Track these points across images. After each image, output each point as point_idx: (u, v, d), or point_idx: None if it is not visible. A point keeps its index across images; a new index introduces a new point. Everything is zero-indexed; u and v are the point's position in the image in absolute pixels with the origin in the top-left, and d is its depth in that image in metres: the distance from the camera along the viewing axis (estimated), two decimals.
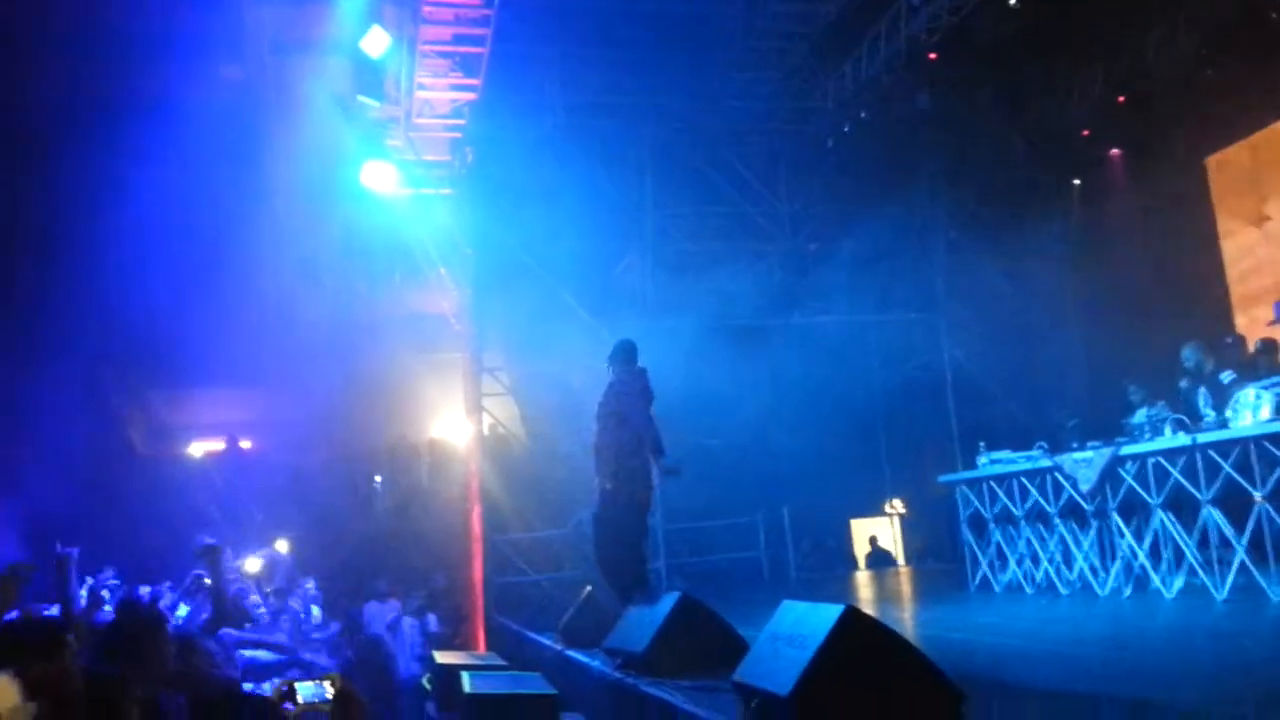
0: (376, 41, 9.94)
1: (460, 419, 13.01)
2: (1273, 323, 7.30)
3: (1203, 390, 7.17)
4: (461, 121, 11.41)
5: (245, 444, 15.30)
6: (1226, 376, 7.28)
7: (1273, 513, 6.05)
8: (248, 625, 7.26)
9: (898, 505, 15.18)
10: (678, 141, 12.19)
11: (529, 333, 11.93)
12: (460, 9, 9.99)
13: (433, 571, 12.82)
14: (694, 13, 11.12)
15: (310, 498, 14.13)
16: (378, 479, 15.59)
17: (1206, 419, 6.70)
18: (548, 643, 7.39)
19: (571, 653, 6.60)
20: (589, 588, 7.49)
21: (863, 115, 11.43)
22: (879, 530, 14.91)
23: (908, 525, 15.02)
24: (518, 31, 10.63)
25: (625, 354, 6.86)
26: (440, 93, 11.13)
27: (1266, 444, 6.01)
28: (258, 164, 12.76)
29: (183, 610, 7.32)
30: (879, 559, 14.29)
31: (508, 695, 4.95)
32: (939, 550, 12.97)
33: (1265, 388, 6.41)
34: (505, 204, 11.17)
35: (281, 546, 12.72)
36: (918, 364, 13.44)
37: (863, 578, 12.83)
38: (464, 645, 11.15)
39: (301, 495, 14.10)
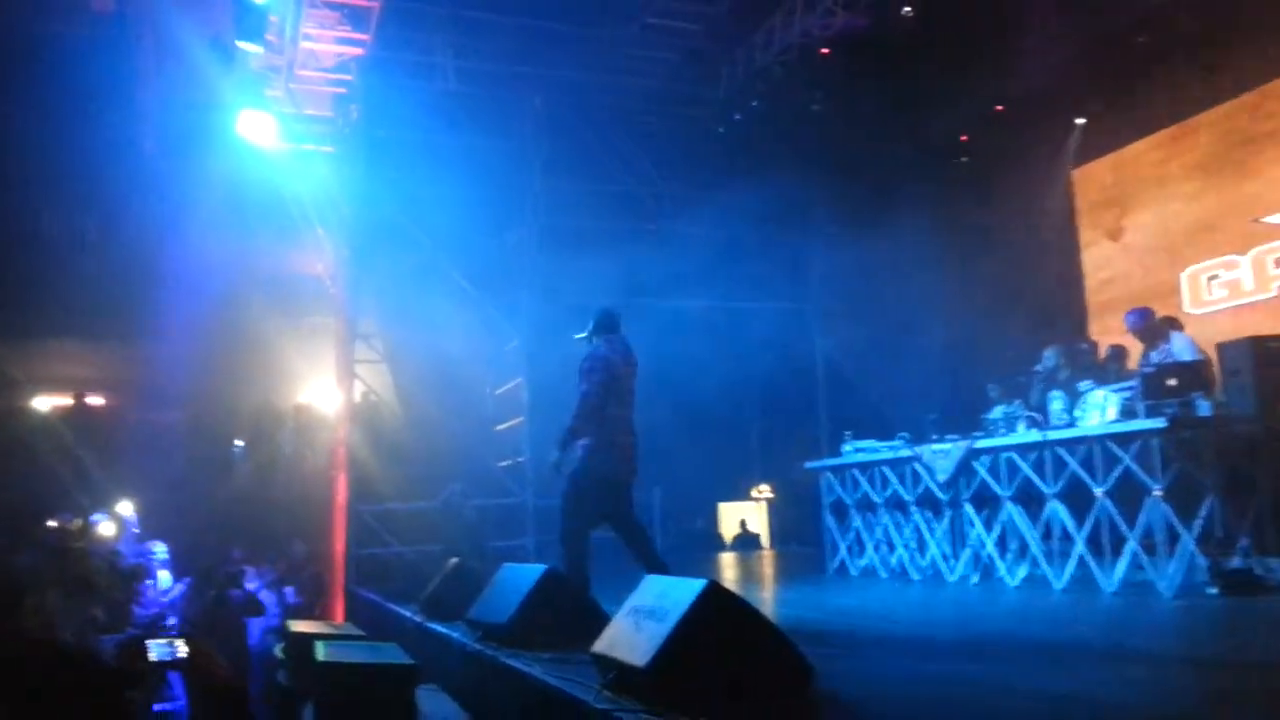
0: None
1: (330, 385, 12.65)
2: (1126, 331, 7.71)
3: (1057, 392, 7.55)
4: (348, 77, 11.02)
5: (95, 401, 14.50)
6: (1085, 385, 7.70)
7: (1111, 509, 6.42)
8: None
9: (765, 490, 15.54)
10: (569, 115, 12.07)
11: (407, 300, 11.63)
12: None
13: (292, 540, 12.47)
14: None
15: (166, 460, 13.51)
16: (239, 443, 15.02)
17: (1059, 420, 7.06)
18: (408, 614, 7.26)
19: (432, 624, 6.50)
20: (454, 559, 7.40)
21: (754, 105, 11.56)
22: (747, 514, 15.23)
23: (775, 510, 15.39)
24: None
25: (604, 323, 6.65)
26: (326, 45, 10.74)
27: (1110, 443, 6.37)
28: (126, 104, 12.07)
29: None
30: (746, 542, 14.61)
31: (362, 664, 4.82)
32: (803, 534, 13.31)
33: (1114, 391, 6.80)
34: (388, 165, 10.83)
35: (125, 509, 12.17)
36: (790, 353, 13.74)
37: (728, 559, 13.07)
38: (322, 617, 10.88)
39: (157, 457, 13.47)
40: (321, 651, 4.95)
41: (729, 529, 15.23)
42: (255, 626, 10.56)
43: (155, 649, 6.31)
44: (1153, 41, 10.11)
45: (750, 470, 15.35)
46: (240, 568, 11.09)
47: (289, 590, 11.54)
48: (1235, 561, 6.08)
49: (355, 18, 10.22)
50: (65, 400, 14.16)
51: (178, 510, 12.89)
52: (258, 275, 13.36)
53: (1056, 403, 7.28)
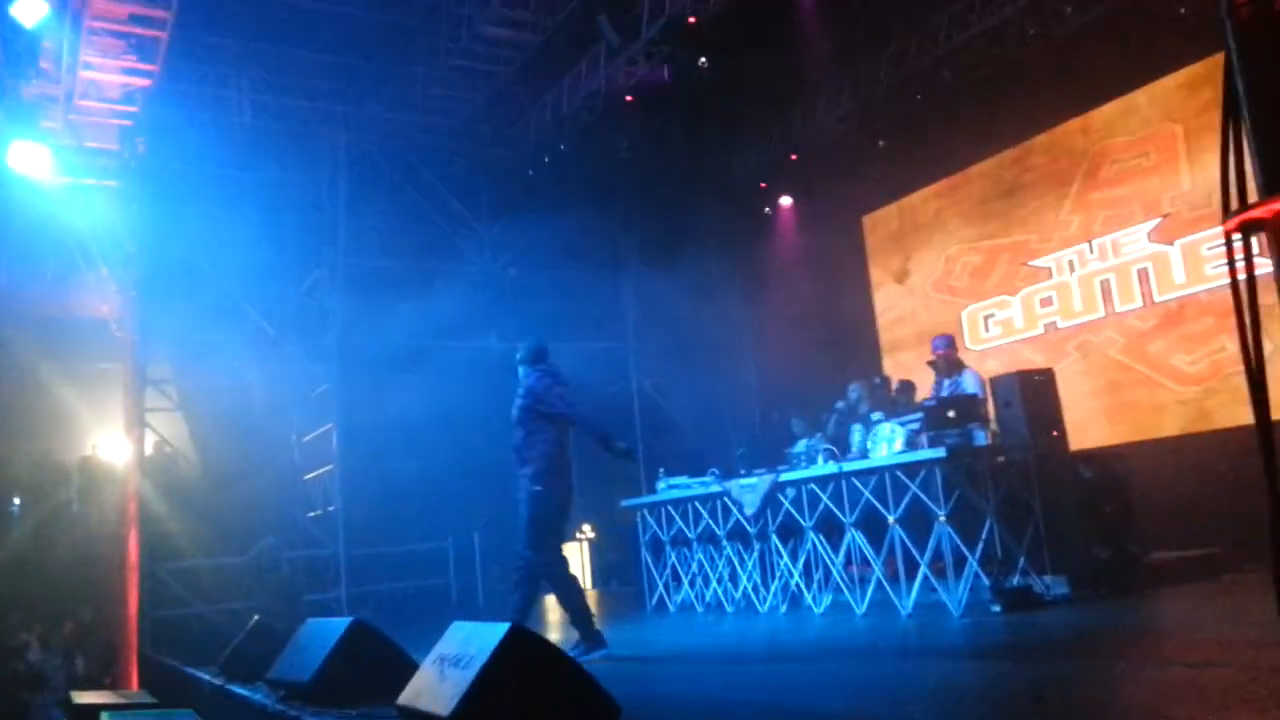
0: (30, 8, 8.80)
1: (119, 436, 11.81)
2: (930, 361, 8.12)
3: (857, 425, 7.96)
4: (133, 109, 10.40)
5: None
6: (876, 416, 8.16)
7: (903, 534, 6.81)
8: None
9: (587, 530, 15.57)
10: (374, 153, 11.87)
11: (202, 343, 11.02)
12: None
13: (78, 605, 11.51)
14: (397, 23, 10.90)
15: None
16: (16, 501, 13.76)
17: (858, 452, 7.45)
18: (207, 677, 6.82)
19: (232, 686, 6.14)
20: (256, 616, 7.03)
21: (562, 148, 11.72)
22: (569, 554, 15.19)
23: (596, 549, 15.44)
24: (204, 19, 9.91)
25: (536, 354, 6.87)
26: (110, 75, 10.09)
27: (899, 473, 6.76)
28: None
29: None
30: None
31: None
32: (624, 573, 13.41)
33: (901, 423, 7.24)
34: (179, 202, 10.28)
35: None
36: (608, 392, 13.87)
37: (551, 600, 12.96)
38: (115, 685, 10.09)
39: None
40: None
41: None
42: (40, 701, 9.69)
43: None
44: (930, 97, 10.95)
45: (572, 510, 15.33)
46: (22, 639, 10.18)
47: (78, 660, 10.67)
48: (1015, 580, 6.57)
49: (142, 47, 9.67)
50: None
51: None
52: (32, 317, 12.32)
53: (857, 435, 7.68)
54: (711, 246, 12.46)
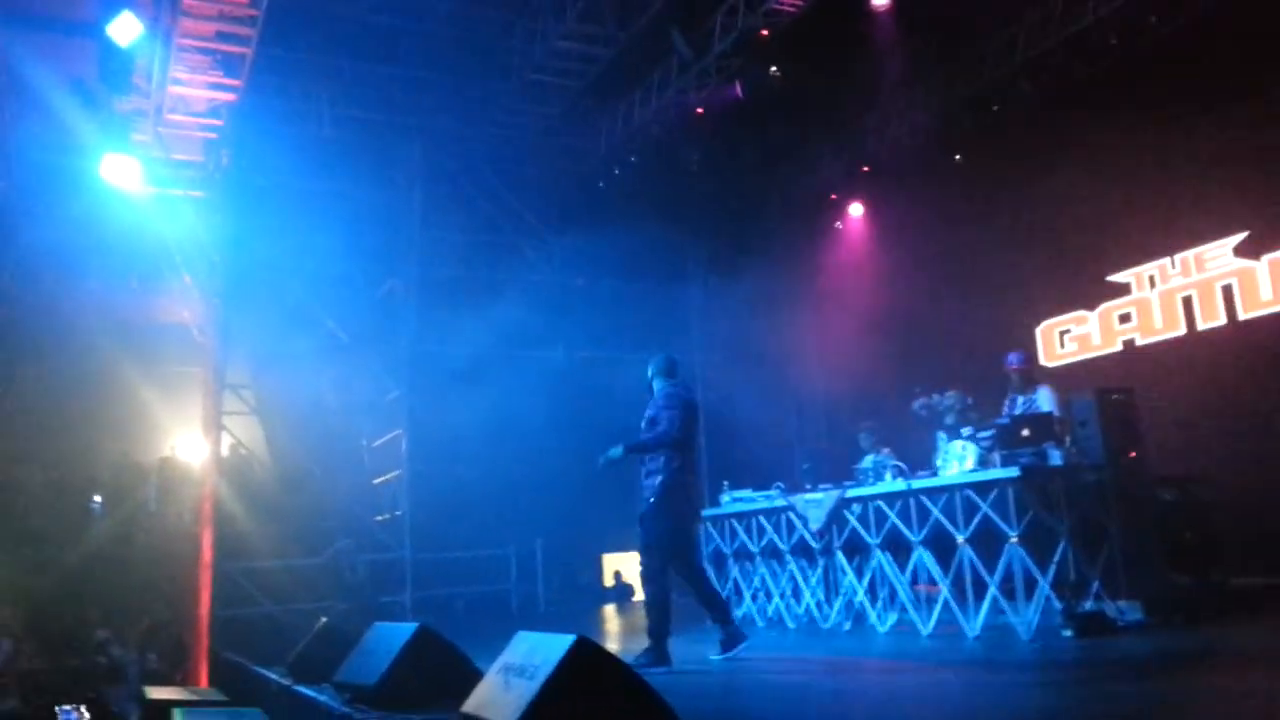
0: (126, 28, 9.17)
1: (197, 438, 12.16)
2: (1016, 368, 7.91)
3: (942, 434, 7.79)
4: (219, 122, 10.73)
5: None
6: (966, 431, 7.96)
7: (972, 555, 6.68)
8: None
9: None
10: (449, 166, 12.07)
11: (278, 350, 11.32)
12: (225, 5, 9.42)
13: (153, 602, 11.86)
14: (472, 39, 11.10)
15: (21, 518, 12.71)
16: (97, 499, 14.24)
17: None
18: (274, 677, 6.97)
19: (299, 687, 6.26)
20: (324, 618, 7.17)
21: (633, 160, 11.79)
22: (631, 565, 15.20)
23: None
24: (286, 36, 10.19)
25: (664, 367, 7.11)
26: (197, 90, 10.43)
27: (969, 491, 6.64)
28: None
29: None
30: (622, 592, 14.57)
31: None
32: (683, 585, 13.34)
33: (973, 440, 7.11)
34: (260, 213, 10.60)
35: None
36: None
37: (610, 610, 13.01)
38: (185, 682, 10.35)
39: (10, 515, 12.66)
40: (179, 719, 4.73)
41: (613, 580, 15.17)
42: (116, 695, 10.00)
43: (63, 716, 5.92)
44: (1002, 108, 10.78)
45: (633, 521, 15.33)
46: (104, 636, 10.53)
47: (151, 656, 10.96)
48: (1088, 604, 6.39)
49: (227, 63, 9.98)
50: None
51: (28, 572, 12.11)
52: (120, 323, 12.77)
53: (943, 443, 7.52)
54: (779, 258, 12.40)
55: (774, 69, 9.52)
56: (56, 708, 6.12)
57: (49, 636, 10.23)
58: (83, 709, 6.01)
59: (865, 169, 12.39)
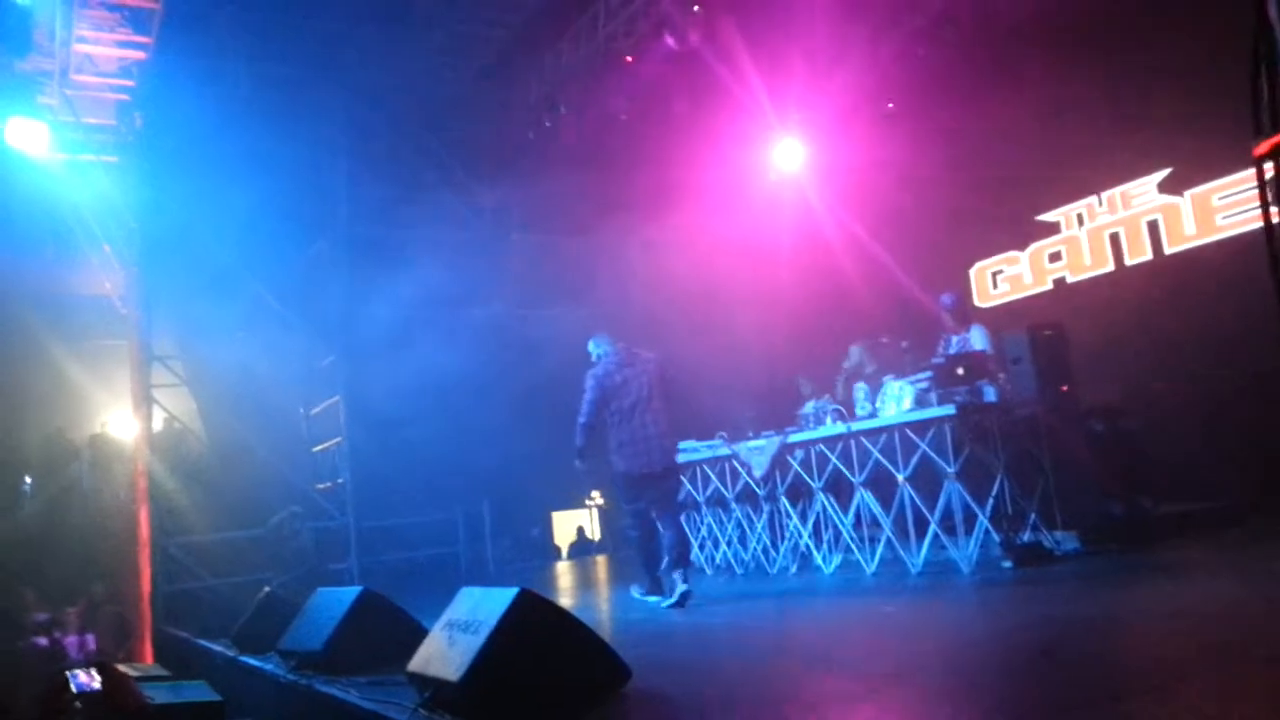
0: None
1: (128, 413, 11.84)
2: (948, 308, 7.99)
3: (861, 385, 7.91)
4: (130, 83, 10.31)
5: None
6: (887, 378, 8.10)
7: (912, 493, 6.78)
8: None
9: (597, 497, 15.60)
10: (375, 123, 11.75)
11: (205, 318, 11.00)
12: None
13: (91, 580, 11.60)
14: None
15: None
16: (28, 480, 13.84)
17: (863, 412, 7.41)
18: (219, 649, 6.88)
19: (244, 658, 6.19)
20: (266, 588, 7.07)
21: (561, 111, 11.57)
22: (581, 521, 15.26)
23: (606, 515, 15.47)
24: None
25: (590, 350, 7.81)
26: (105, 49, 9.99)
27: (908, 431, 6.72)
28: None
29: None
30: (582, 548, 14.63)
31: (165, 705, 4.53)
32: (634, 538, 13.41)
33: (910, 382, 7.20)
34: (179, 176, 10.22)
35: None
36: None
37: (563, 567, 13.05)
38: (130, 659, 10.17)
39: None
40: None
41: (564, 537, 15.21)
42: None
43: (74, 682, 5.74)
44: (929, 51, 10.78)
45: (581, 477, 15.35)
46: (43, 616, 10.28)
47: (89, 636, 10.76)
48: (1025, 536, 6.54)
49: (136, 20, 9.55)
50: None
51: None
52: (37, 296, 12.31)
53: (860, 394, 7.64)
54: (713, 207, 12.31)
55: (696, 7, 9.37)
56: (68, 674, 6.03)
57: None
58: (93, 671, 5.90)
59: (797, 115, 12.32)
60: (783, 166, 12.23)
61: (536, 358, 12.90)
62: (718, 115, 12.26)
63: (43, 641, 10.66)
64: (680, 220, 12.49)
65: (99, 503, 12.98)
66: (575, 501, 15.57)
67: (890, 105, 11.60)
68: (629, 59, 10.67)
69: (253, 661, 5.94)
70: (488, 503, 13.29)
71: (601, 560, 13.81)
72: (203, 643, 7.68)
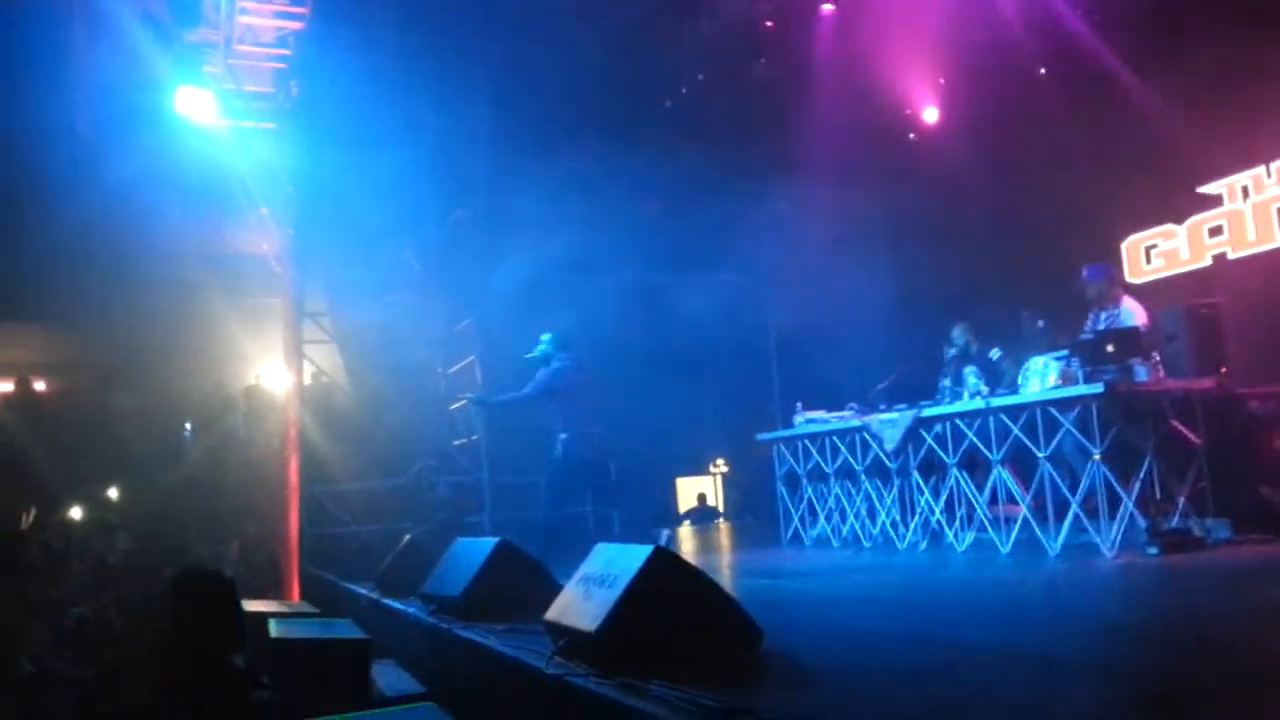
0: None
1: (280, 367, 12.50)
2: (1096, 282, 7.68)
3: (972, 369, 7.74)
4: (287, 52, 10.81)
5: (39, 386, 14.21)
6: (995, 353, 7.90)
7: (1053, 472, 6.57)
8: None
9: (721, 464, 15.66)
10: (516, 91, 11.94)
11: (354, 278, 11.50)
12: None
13: (244, 521, 12.37)
14: None
15: (115, 445, 13.31)
16: (188, 427, 14.83)
17: (974, 390, 7.23)
18: (363, 591, 7.25)
19: (387, 600, 6.51)
20: (408, 536, 7.40)
21: (700, 78, 11.51)
22: (704, 488, 15.36)
23: (730, 482, 15.53)
24: None
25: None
26: (264, 19, 10.50)
27: (1051, 409, 6.51)
28: (59, 82, 11.75)
29: None
30: (703, 515, 14.75)
31: (315, 640, 4.83)
32: (757, 506, 13.45)
33: (1056, 358, 6.95)
34: (331, 143, 10.64)
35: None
36: (743, 326, 13.80)
37: (685, 531, 13.18)
38: (278, 596, 10.82)
39: (105, 442, 13.26)
40: (275, 629, 4.95)
41: (686, 503, 15.34)
42: None
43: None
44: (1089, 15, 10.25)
45: (706, 444, 15.45)
46: (203, 553, 11.03)
47: (244, 570, 11.46)
48: (1173, 521, 6.27)
49: None
50: (7, 386, 13.86)
51: (129, 496, 12.71)
52: (203, 256, 13.14)
53: (971, 379, 7.48)
54: (853, 174, 12.07)
55: None
56: None
57: (152, 554, 10.76)
58: None
59: (940, 75, 11.93)
60: (922, 128, 11.89)
61: (666, 324, 13.00)
62: (856, 78, 12.01)
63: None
64: (814, 186, 12.32)
65: (253, 451, 13.80)
66: (699, 468, 15.66)
67: (1042, 70, 11.14)
68: (769, 24, 10.53)
69: (395, 604, 6.23)
70: (613, 466, 13.49)
71: (724, 527, 13.90)
72: (347, 584, 8.10)
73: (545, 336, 8.51)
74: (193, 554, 10.95)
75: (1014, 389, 7.07)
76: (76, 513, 11.91)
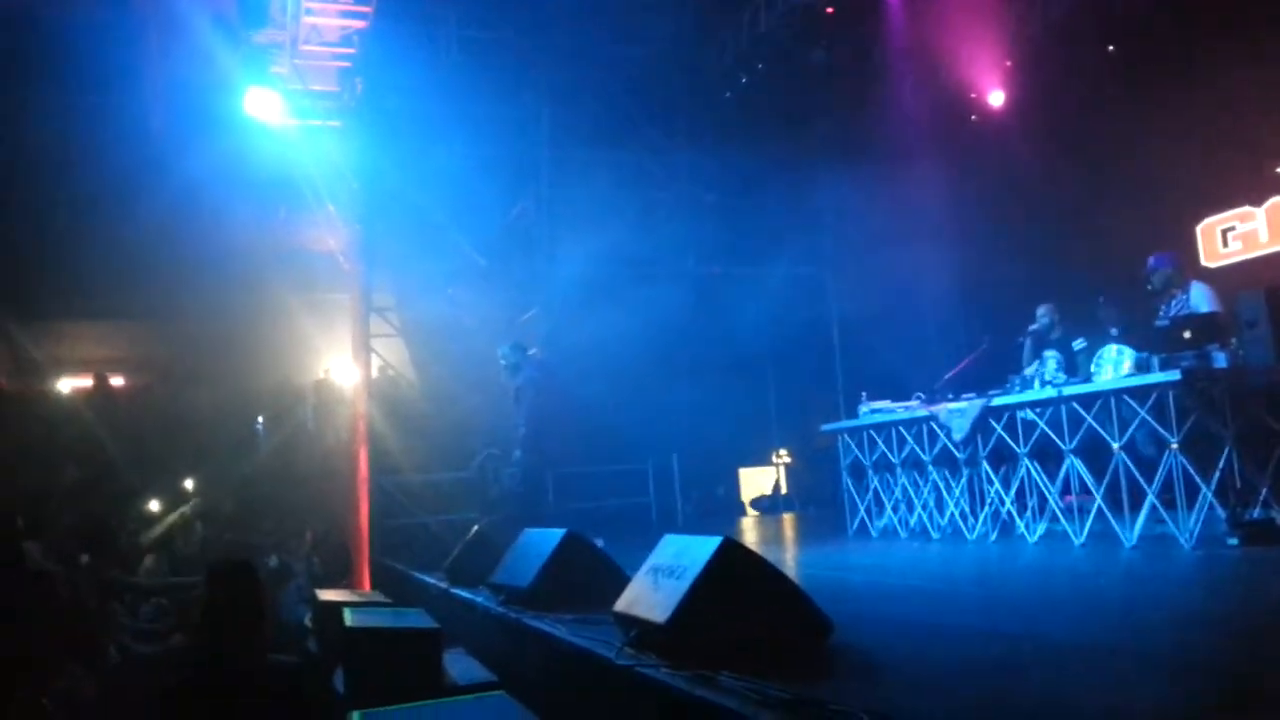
0: None
1: (348, 360, 12.73)
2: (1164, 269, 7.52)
3: (1053, 354, 7.56)
4: (351, 50, 11.00)
5: (116, 381, 14.65)
6: (1079, 344, 7.71)
7: (1128, 462, 6.42)
8: None
9: (784, 454, 15.58)
10: (575, 84, 11.99)
11: (420, 273, 11.68)
12: None
13: (315, 513, 12.62)
14: None
15: (189, 438, 13.68)
16: (260, 420, 15.19)
17: (1053, 378, 7.08)
18: (433, 581, 7.36)
19: (456, 590, 6.60)
20: (476, 527, 7.49)
21: (760, 68, 11.43)
22: (767, 478, 15.29)
23: (793, 473, 15.44)
24: None
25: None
26: (329, 19, 10.70)
27: (1126, 397, 6.36)
28: (133, 84, 12.09)
29: None
30: (766, 505, 14.70)
31: (388, 629, 4.90)
32: (821, 497, 13.36)
33: (1129, 344, 6.78)
34: (395, 139, 10.83)
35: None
36: (805, 317, 13.71)
37: (748, 522, 13.15)
38: (349, 586, 11.04)
39: (181, 436, 13.64)
40: (349, 618, 5.04)
41: (748, 494, 15.30)
42: (286, 597, 10.78)
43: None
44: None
45: (769, 435, 15.38)
46: (274, 543, 11.30)
47: (316, 560, 11.71)
48: (1255, 511, 6.08)
49: None
50: (86, 381, 14.31)
51: (203, 489, 13.04)
52: (273, 252, 13.41)
53: (1051, 363, 7.31)
54: (912, 159, 11.88)
55: None
56: None
57: (226, 545, 11.05)
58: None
59: (1004, 57, 11.66)
60: (986, 111, 11.65)
61: (728, 316, 12.96)
62: (919, 63, 11.82)
63: (273, 562, 11.69)
64: (876, 174, 12.15)
65: (322, 444, 14.08)
66: (763, 458, 15.60)
67: (1110, 48, 10.84)
68: (830, 10, 10.40)
69: (464, 594, 6.32)
70: (677, 456, 13.52)
71: (788, 518, 13.82)
72: (417, 574, 8.23)
73: (504, 350, 9.08)
74: (265, 545, 11.21)
75: (1087, 379, 6.93)
76: (154, 505, 12.27)
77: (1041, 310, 8.49)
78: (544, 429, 8.56)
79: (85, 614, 5.43)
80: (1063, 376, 7.09)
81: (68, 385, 14.48)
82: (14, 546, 6.20)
